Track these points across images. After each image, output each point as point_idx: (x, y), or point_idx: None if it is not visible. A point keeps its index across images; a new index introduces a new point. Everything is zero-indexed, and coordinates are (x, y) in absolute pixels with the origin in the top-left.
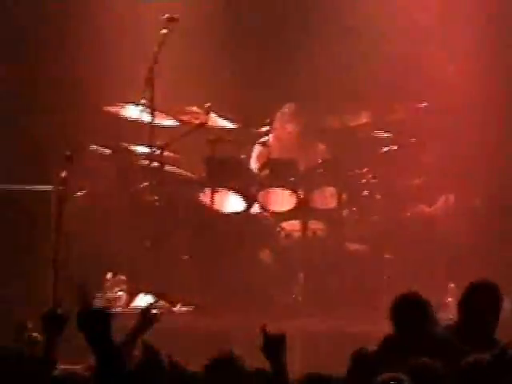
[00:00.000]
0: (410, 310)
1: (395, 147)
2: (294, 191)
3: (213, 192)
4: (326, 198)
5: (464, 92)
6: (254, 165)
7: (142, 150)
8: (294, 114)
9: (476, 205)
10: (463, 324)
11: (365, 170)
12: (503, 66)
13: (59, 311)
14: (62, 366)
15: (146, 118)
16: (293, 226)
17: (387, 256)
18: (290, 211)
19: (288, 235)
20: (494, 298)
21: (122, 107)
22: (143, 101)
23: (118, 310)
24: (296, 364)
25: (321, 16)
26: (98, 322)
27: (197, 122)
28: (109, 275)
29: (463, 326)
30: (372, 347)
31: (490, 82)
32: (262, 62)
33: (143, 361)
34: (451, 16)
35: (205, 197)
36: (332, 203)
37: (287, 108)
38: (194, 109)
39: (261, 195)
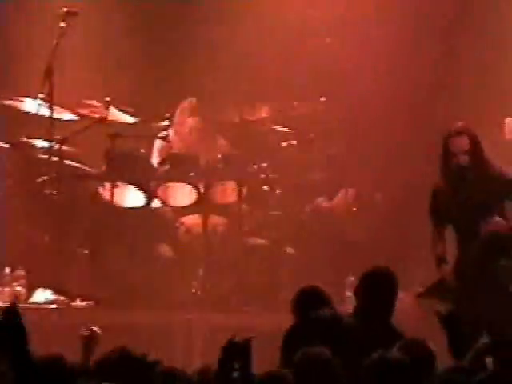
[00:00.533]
0: (312, 303)
1: (294, 142)
2: (194, 186)
3: (112, 186)
4: (226, 192)
5: (364, 88)
6: (154, 159)
7: (41, 144)
8: (195, 108)
9: (376, 199)
10: (360, 311)
11: (264, 164)
12: (404, 62)
13: None
14: None
15: (45, 111)
16: (193, 220)
17: (287, 251)
18: (190, 206)
19: (188, 230)
20: (389, 284)
21: (20, 101)
22: (41, 95)
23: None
24: (196, 358)
25: (220, 13)
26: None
27: (96, 116)
28: (7, 270)
29: (360, 314)
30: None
31: (392, 78)
32: (162, 56)
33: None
34: (351, 13)
35: (104, 191)
36: (232, 198)
37: (187, 103)
38: (94, 103)
39: (160, 190)
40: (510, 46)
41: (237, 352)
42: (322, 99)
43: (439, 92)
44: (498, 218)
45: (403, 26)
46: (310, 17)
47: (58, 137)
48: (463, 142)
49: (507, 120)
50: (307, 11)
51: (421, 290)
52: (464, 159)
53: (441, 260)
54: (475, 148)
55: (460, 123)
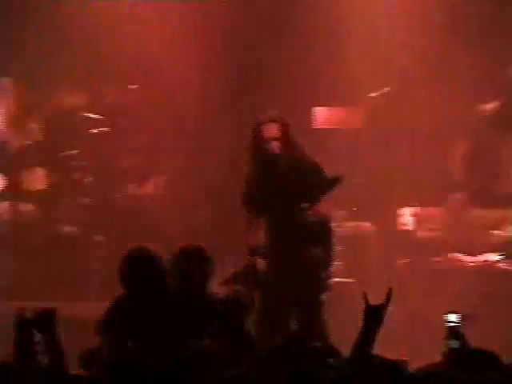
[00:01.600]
0: (142, 270)
1: (106, 129)
2: (4, 173)
3: None
4: (37, 179)
5: (177, 76)
6: None
7: None
8: (5, 92)
9: (187, 187)
10: (176, 289)
11: (76, 151)
12: (217, 53)
13: None
14: None
15: None
16: (2, 208)
17: (97, 238)
18: None
19: None
20: (200, 260)
21: None
22: None
23: None
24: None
25: None
26: None
27: None
28: None
29: (176, 292)
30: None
31: (205, 68)
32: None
33: None
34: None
35: None
36: (43, 185)
37: None
38: None
39: None
40: (320, 41)
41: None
42: (133, 87)
43: (252, 82)
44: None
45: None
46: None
47: None
48: (275, 130)
49: (315, 109)
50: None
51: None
52: (276, 146)
53: (253, 250)
54: (287, 136)
55: (272, 111)
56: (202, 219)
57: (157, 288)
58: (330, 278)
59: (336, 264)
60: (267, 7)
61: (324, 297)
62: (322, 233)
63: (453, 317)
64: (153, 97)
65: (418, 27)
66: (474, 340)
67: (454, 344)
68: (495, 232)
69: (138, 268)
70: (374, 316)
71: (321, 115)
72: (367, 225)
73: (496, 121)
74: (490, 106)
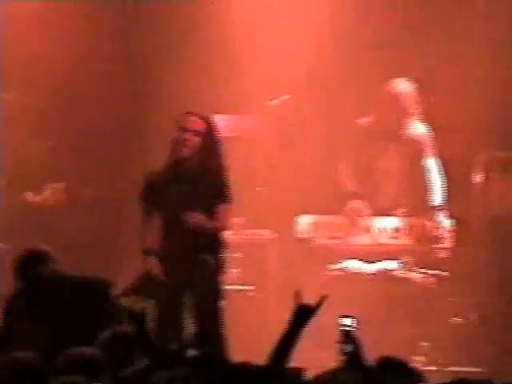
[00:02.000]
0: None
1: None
2: None
3: None
4: None
5: (77, 81)
6: None
7: None
8: None
9: (85, 194)
10: None
11: None
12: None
13: None
14: None
15: None
16: None
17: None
18: None
19: None
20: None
21: None
22: None
23: None
24: None
25: None
26: None
27: None
28: None
29: None
30: None
31: (106, 64)
32: None
33: None
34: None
35: None
36: None
37: None
38: None
39: None
40: (218, 47)
41: None
42: None
43: (150, 89)
44: (190, 213)
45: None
46: None
47: None
48: (198, 124)
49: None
50: None
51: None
52: (192, 142)
53: (148, 252)
54: (209, 135)
55: (192, 114)
56: (102, 225)
57: (48, 285)
58: (223, 285)
59: (234, 272)
60: (160, 14)
61: (220, 304)
62: (215, 240)
63: (347, 321)
64: (51, 100)
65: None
66: (371, 344)
67: (349, 348)
68: (392, 240)
69: (28, 265)
70: (303, 315)
71: (220, 123)
72: (265, 232)
73: (376, 134)
74: (369, 120)
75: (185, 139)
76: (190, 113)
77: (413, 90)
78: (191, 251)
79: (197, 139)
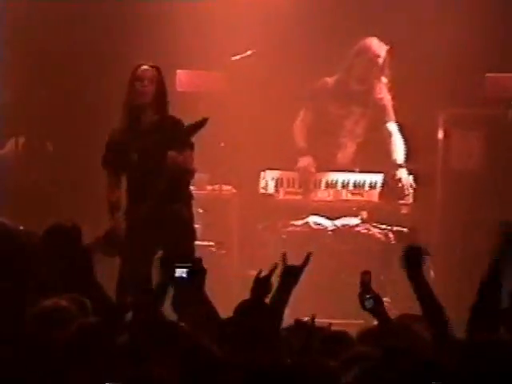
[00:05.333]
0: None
1: None
2: None
3: None
4: None
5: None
6: None
7: None
8: None
9: (47, 148)
10: None
11: None
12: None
13: None
14: None
15: None
16: None
17: None
18: None
19: None
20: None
21: None
22: None
23: None
24: None
25: None
26: None
27: None
28: None
29: None
30: None
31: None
32: None
33: None
34: None
35: None
36: None
37: None
38: None
39: None
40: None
41: None
42: None
43: (115, 43)
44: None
45: None
46: None
47: None
48: (151, 73)
49: (178, 71)
50: None
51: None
52: (147, 90)
53: (114, 207)
54: (161, 85)
55: (143, 64)
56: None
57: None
58: (194, 238)
59: (196, 227)
60: None
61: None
62: (186, 190)
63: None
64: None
65: None
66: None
67: (369, 302)
68: (354, 197)
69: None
70: (291, 275)
71: (183, 78)
72: (228, 188)
73: (335, 94)
74: (331, 80)
75: (142, 86)
76: (141, 63)
77: (383, 51)
78: (162, 203)
79: (152, 87)
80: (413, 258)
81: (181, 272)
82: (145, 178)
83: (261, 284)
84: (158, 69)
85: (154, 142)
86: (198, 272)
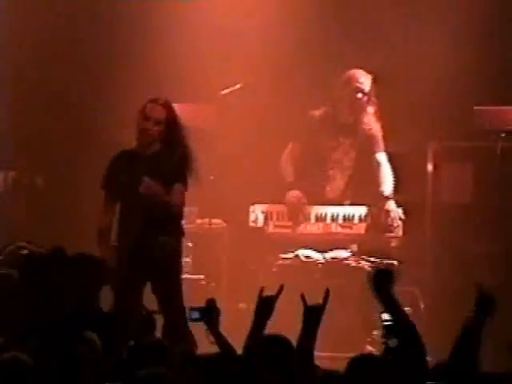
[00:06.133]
0: None
1: None
2: None
3: None
4: None
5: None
6: None
7: None
8: None
9: (37, 183)
10: None
11: None
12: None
13: None
14: None
15: None
16: None
17: None
18: None
19: None
20: None
21: None
22: None
23: None
24: None
25: None
26: None
27: None
28: None
29: None
30: None
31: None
32: None
33: None
34: None
35: None
36: None
37: None
38: None
39: None
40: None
41: None
42: None
43: (104, 79)
44: (147, 180)
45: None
46: None
47: None
48: (158, 112)
49: None
50: None
51: None
52: (148, 138)
53: (102, 235)
54: (173, 123)
55: (153, 101)
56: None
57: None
58: (181, 269)
59: (186, 260)
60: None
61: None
62: (174, 223)
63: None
64: None
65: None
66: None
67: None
68: (344, 230)
69: None
70: (313, 316)
71: None
72: (218, 221)
73: (323, 126)
74: (318, 112)
75: (145, 129)
76: (152, 100)
77: (369, 82)
78: (150, 234)
79: (157, 128)
80: (381, 281)
81: (194, 313)
82: (135, 206)
83: (264, 307)
84: (166, 104)
85: (147, 171)
86: (211, 312)
